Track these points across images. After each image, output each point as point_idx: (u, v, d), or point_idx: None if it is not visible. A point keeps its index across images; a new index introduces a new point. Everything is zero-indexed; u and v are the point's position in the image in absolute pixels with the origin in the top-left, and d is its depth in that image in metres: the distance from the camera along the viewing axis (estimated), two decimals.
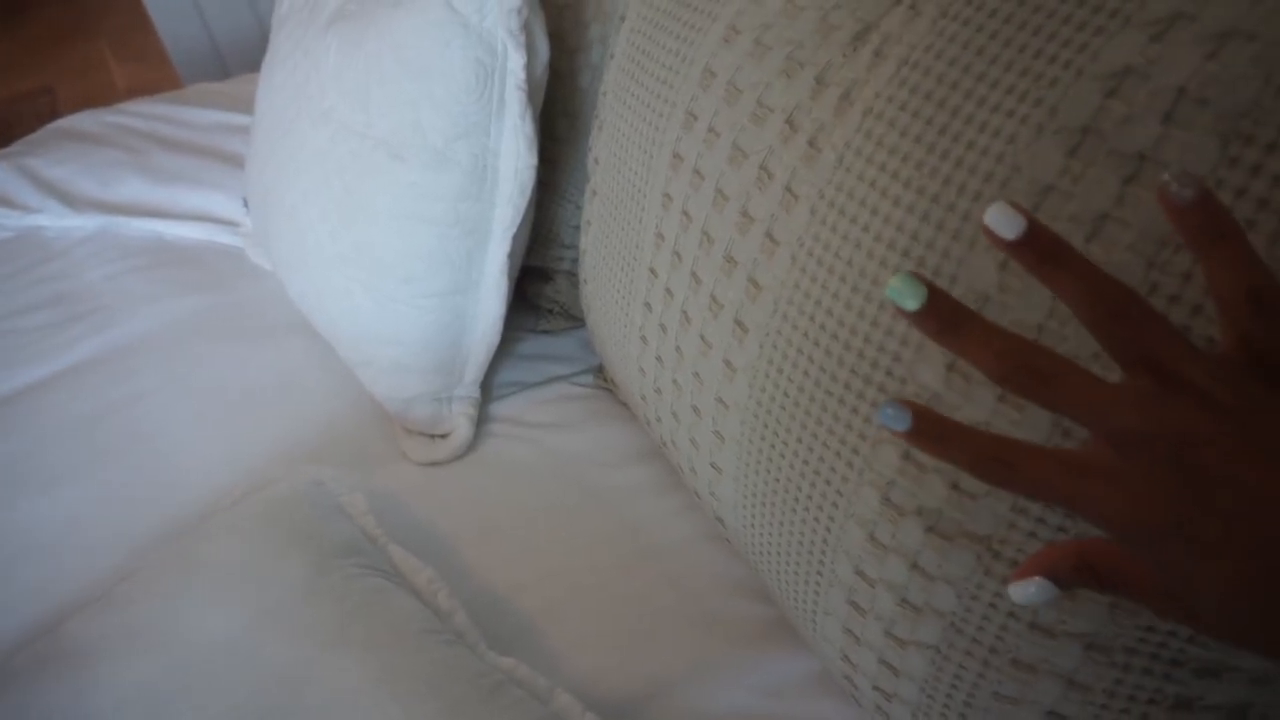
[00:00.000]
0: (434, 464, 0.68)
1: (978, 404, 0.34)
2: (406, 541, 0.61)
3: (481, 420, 0.72)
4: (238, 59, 1.68)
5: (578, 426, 0.70)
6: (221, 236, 0.91)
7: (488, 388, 0.74)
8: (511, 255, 0.65)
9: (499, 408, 0.73)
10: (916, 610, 0.38)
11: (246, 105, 1.10)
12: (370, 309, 0.65)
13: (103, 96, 2.13)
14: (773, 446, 0.44)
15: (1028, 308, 0.32)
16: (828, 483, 0.41)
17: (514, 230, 0.63)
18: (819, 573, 0.43)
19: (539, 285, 0.77)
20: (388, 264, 0.63)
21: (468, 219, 0.61)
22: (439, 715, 0.42)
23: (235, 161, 1.00)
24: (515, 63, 0.57)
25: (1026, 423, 0.33)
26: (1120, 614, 0.33)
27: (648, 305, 0.54)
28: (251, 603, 0.47)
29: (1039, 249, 0.22)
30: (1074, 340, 0.31)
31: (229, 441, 0.70)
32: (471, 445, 0.69)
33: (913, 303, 0.22)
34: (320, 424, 0.72)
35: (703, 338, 0.48)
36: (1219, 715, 0.34)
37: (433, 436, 0.69)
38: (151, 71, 2.24)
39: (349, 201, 0.63)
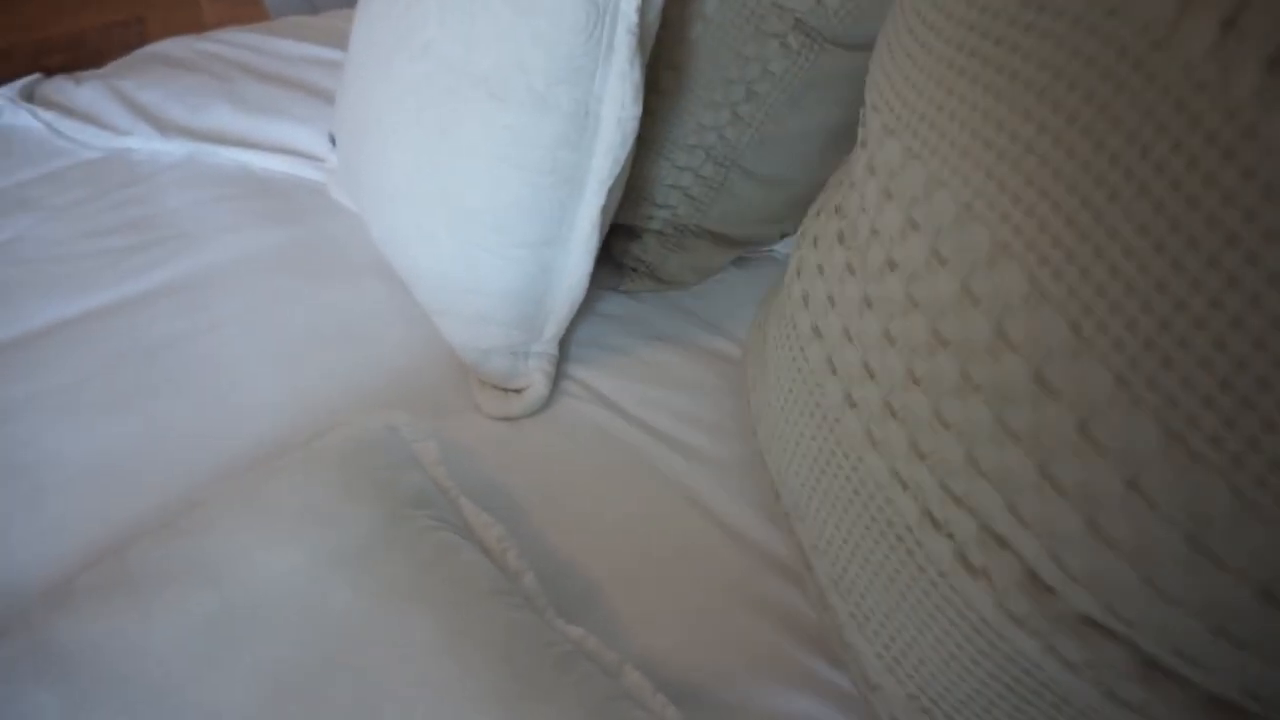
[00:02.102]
0: (507, 419, 0.66)
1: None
2: (476, 497, 0.60)
3: (557, 378, 0.69)
4: None
5: (653, 396, 0.67)
6: (306, 171, 0.89)
7: (565, 345, 0.72)
8: (605, 209, 0.62)
9: (575, 367, 0.70)
10: None
11: (335, 39, 1.09)
12: (454, 255, 0.63)
13: (192, 29, 2.15)
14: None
15: None
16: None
17: (610, 183, 0.60)
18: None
19: (625, 243, 0.74)
20: (477, 210, 0.61)
21: (564, 168, 0.58)
22: (505, 683, 0.40)
23: (322, 95, 0.98)
24: (628, 4, 0.54)
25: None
26: None
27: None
28: (319, 547, 0.46)
29: None
30: None
31: (298, 380, 0.69)
32: (546, 403, 0.67)
33: None
34: (394, 370, 0.70)
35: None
36: None
37: (507, 391, 0.67)
38: (240, 7, 2.25)
39: (441, 141, 0.61)
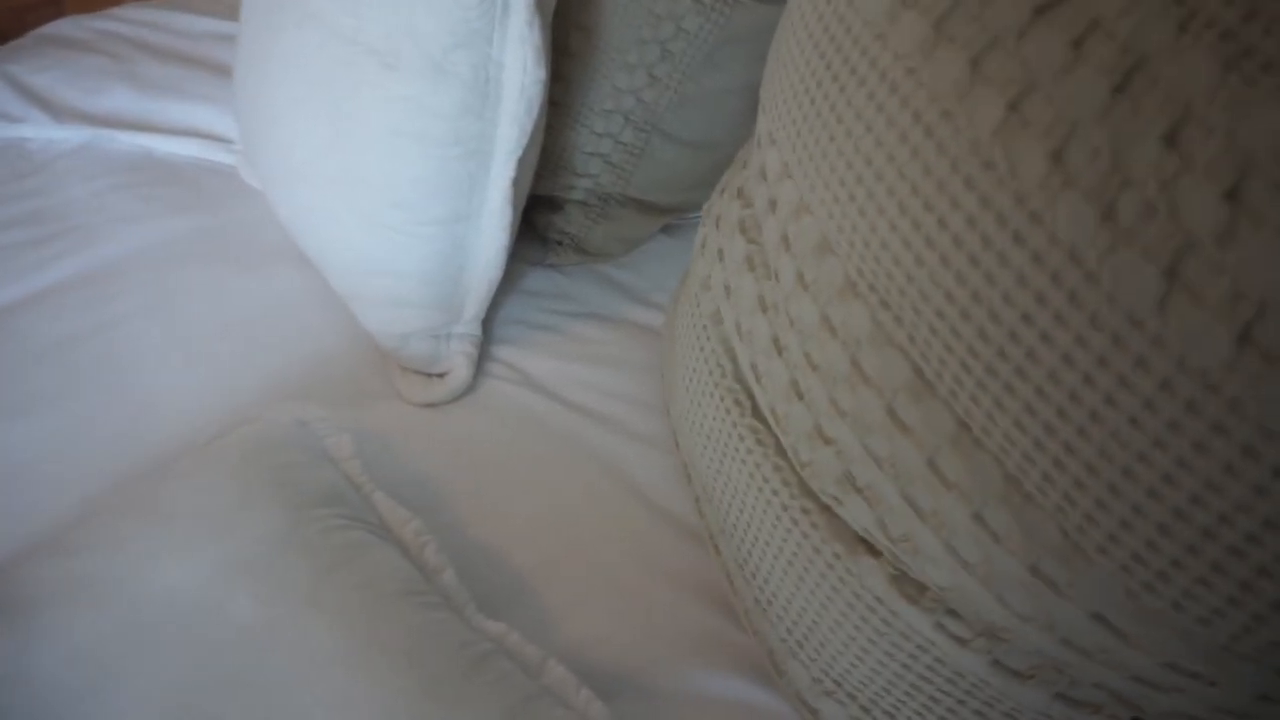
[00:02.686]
0: (430, 405, 0.64)
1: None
2: (397, 488, 0.57)
3: (482, 359, 0.67)
4: None
5: (581, 373, 0.65)
6: (213, 154, 0.85)
7: (489, 325, 0.69)
8: (517, 181, 0.59)
9: (501, 348, 0.68)
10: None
11: None
12: (362, 236, 0.60)
13: (111, 6, 2.05)
14: None
15: None
16: None
17: (519, 153, 0.57)
18: None
19: (548, 215, 0.71)
20: (380, 187, 0.57)
21: (469, 139, 0.55)
22: (414, 690, 0.39)
23: (228, 72, 0.93)
24: None
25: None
26: None
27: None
28: (217, 555, 0.43)
29: None
30: None
31: (212, 374, 0.66)
32: (470, 386, 0.65)
33: None
34: (312, 358, 0.67)
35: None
36: None
37: (430, 376, 0.65)
38: None
39: (337, 116, 0.57)
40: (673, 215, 0.73)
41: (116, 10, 1.02)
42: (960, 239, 0.27)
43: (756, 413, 0.41)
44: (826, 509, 0.37)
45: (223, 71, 0.93)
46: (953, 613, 0.33)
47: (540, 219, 0.72)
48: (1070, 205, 0.24)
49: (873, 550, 0.36)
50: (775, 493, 0.39)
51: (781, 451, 0.40)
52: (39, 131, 0.86)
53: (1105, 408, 0.25)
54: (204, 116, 0.88)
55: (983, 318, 0.27)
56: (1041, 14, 0.26)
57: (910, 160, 0.28)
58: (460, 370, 0.63)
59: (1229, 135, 0.22)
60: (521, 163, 0.58)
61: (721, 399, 0.43)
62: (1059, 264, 0.24)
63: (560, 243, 0.71)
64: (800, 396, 0.37)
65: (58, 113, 0.87)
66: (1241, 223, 0.21)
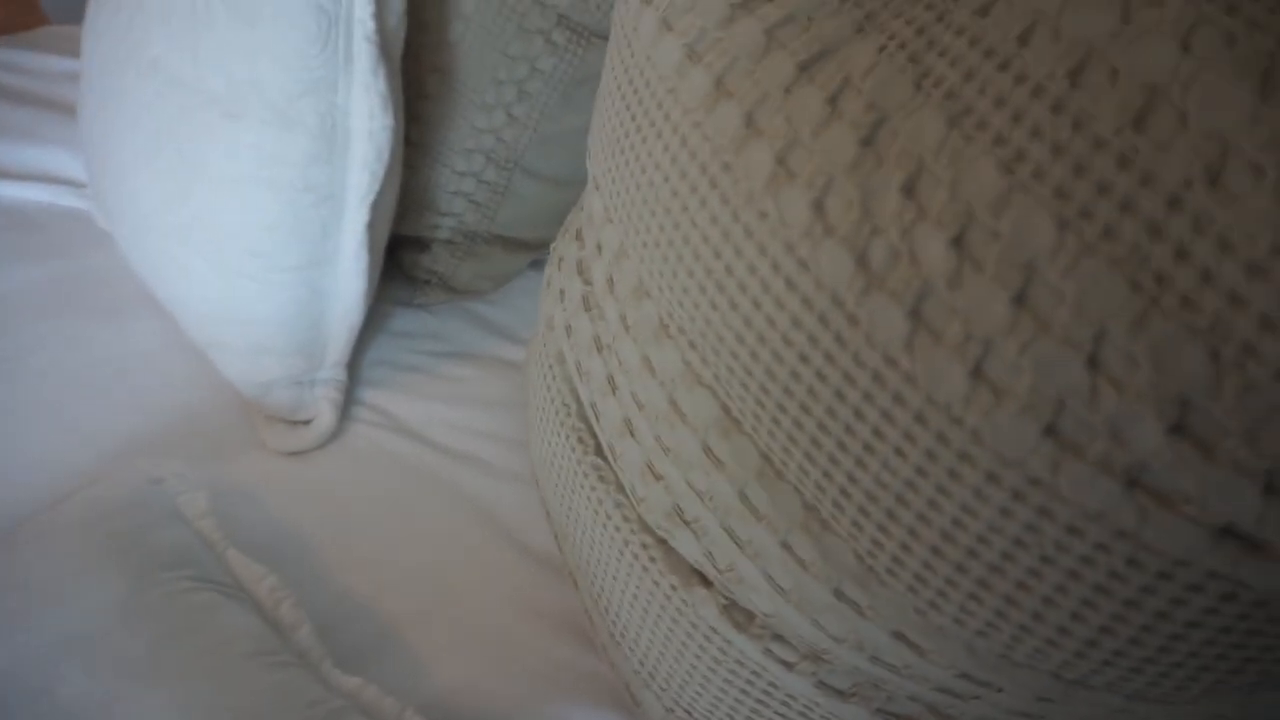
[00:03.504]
0: (295, 453, 0.62)
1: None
2: (260, 542, 0.56)
3: (349, 404, 0.66)
4: None
5: (451, 415, 0.65)
6: (65, 199, 0.82)
7: (356, 368, 0.68)
8: (373, 225, 0.59)
9: (368, 391, 0.67)
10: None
11: None
12: (216, 285, 0.59)
13: None
14: None
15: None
16: None
17: (372, 198, 0.56)
18: None
19: (414, 255, 0.71)
20: (231, 236, 0.56)
21: (319, 185, 0.55)
22: None
23: None
24: (362, 10, 0.50)
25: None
26: None
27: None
28: (50, 630, 0.41)
29: None
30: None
31: (67, 433, 0.63)
32: (336, 432, 0.64)
33: None
34: (172, 411, 0.65)
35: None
36: None
37: (294, 423, 0.63)
38: (21, 14, 2.06)
39: (183, 166, 0.56)
40: (539, 251, 0.74)
41: None
42: (744, 284, 0.28)
43: (599, 450, 0.42)
44: (663, 542, 0.38)
45: (76, 112, 0.90)
46: (779, 638, 0.35)
47: (407, 258, 0.72)
48: (830, 252, 0.25)
49: (705, 581, 0.37)
50: (618, 528, 0.40)
51: (621, 488, 0.40)
52: None
53: (875, 439, 0.26)
54: (56, 160, 0.84)
55: (769, 358, 0.28)
56: (804, 70, 0.27)
57: (700, 209, 0.30)
58: (325, 416, 0.62)
59: (953, 187, 0.23)
60: (376, 206, 0.58)
61: (567, 437, 0.44)
62: (825, 307, 0.26)
63: (428, 282, 0.71)
64: (632, 434, 0.38)
65: None
66: (966, 268, 0.23)
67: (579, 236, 0.45)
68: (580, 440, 0.43)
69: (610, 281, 0.38)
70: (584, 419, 0.44)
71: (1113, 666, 0.26)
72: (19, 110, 0.89)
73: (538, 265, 0.79)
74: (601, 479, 0.41)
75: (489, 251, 0.70)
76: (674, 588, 0.38)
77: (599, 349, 0.40)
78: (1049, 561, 0.24)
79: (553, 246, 0.50)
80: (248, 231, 0.56)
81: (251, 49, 0.51)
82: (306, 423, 0.63)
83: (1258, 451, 0.20)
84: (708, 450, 0.33)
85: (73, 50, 1.01)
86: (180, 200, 0.57)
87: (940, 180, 0.24)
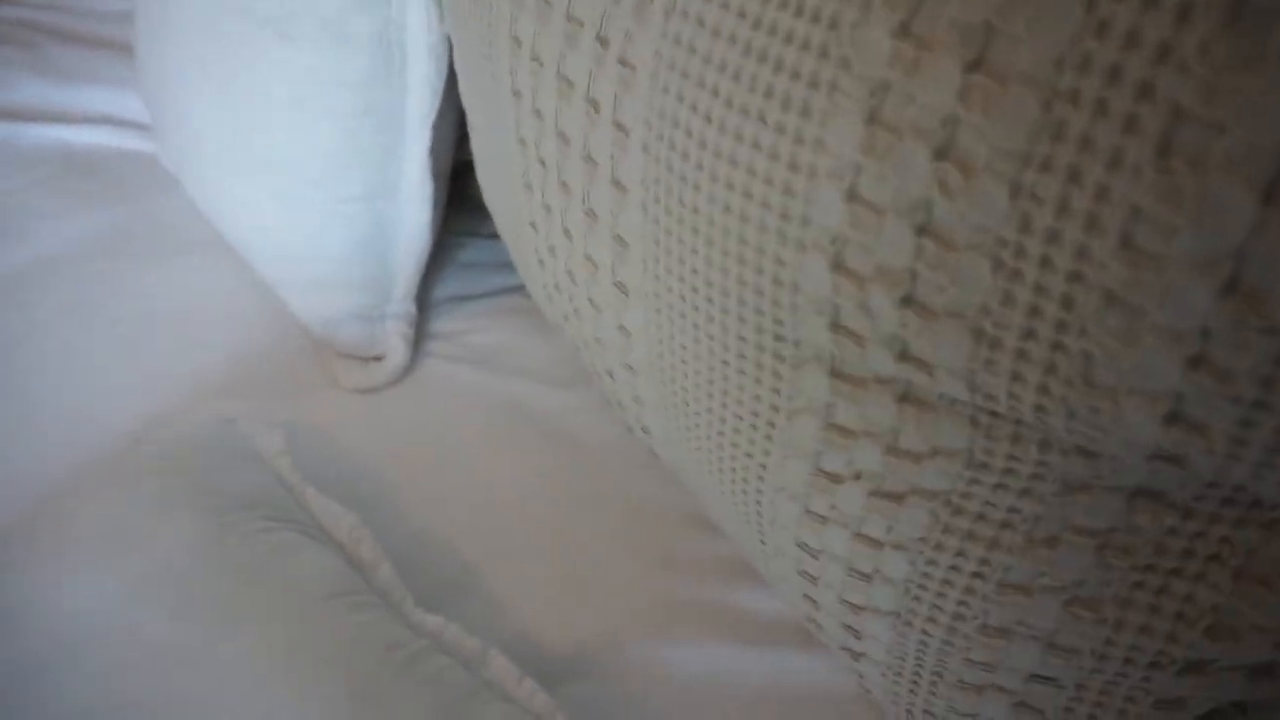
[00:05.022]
0: (369, 390, 0.61)
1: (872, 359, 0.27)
2: (335, 481, 0.55)
3: (421, 339, 0.64)
4: None
5: (526, 344, 0.62)
6: (133, 141, 0.81)
7: (427, 302, 0.66)
8: (435, 150, 0.56)
9: (440, 324, 0.65)
10: (866, 578, 0.31)
11: None
12: (278, 219, 0.57)
13: None
14: (685, 404, 0.37)
15: (884, 246, 0.25)
16: (749, 455, 0.34)
17: (434, 118, 0.53)
18: (761, 540, 0.36)
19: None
20: (291, 167, 0.54)
21: (377, 108, 0.52)
22: (338, 697, 0.36)
23: None
24: None
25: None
26: (1111, 555, 0.27)
27: (532, 226, 0.44)
28: (131, 571, 0.41)
29: None
30: (951, 291, 0.24)
31: (144, 375, 0.63)
32: (409, 368, 0.62)
33: None
34: (244, 351, 0.64)
35: (590, 300, 0.40)
36: (1238, 675, 0.28)
37: (366, 360, 0.62)
38: None
39: (241, 96, 0.54)
40: None
41: None
42: None
43: None
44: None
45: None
46: None
47: (473, 186, 0.68)
48: None
49: None
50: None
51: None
52: None
53: None
54: (121, 102, 0.83)
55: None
56: None
57: None
58: (397, 352, 0.61)
59: None
60: (438, 129, 0.55)
61: None
62: None
63: None
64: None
65: None
66: None
67: None
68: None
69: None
70: None
71: None
72: (80, 52, 0.88)
73: None
74: None
75: None
76: None
77: None
78: None
79: None
80: (308, 161, 0.53)
81: None
82: (378, 358, 0.61)
83: None
84: None
85: None
86: (240, 133, 0.55)
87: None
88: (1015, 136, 0.22)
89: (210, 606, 0.40)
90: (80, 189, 0.76)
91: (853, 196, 0.25)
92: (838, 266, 0.26)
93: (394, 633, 0.41)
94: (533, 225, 0.43)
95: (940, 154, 0.23)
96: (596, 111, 0.34)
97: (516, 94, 0.39)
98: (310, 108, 0.51)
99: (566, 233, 0.38)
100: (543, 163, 0.38)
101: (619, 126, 0.33)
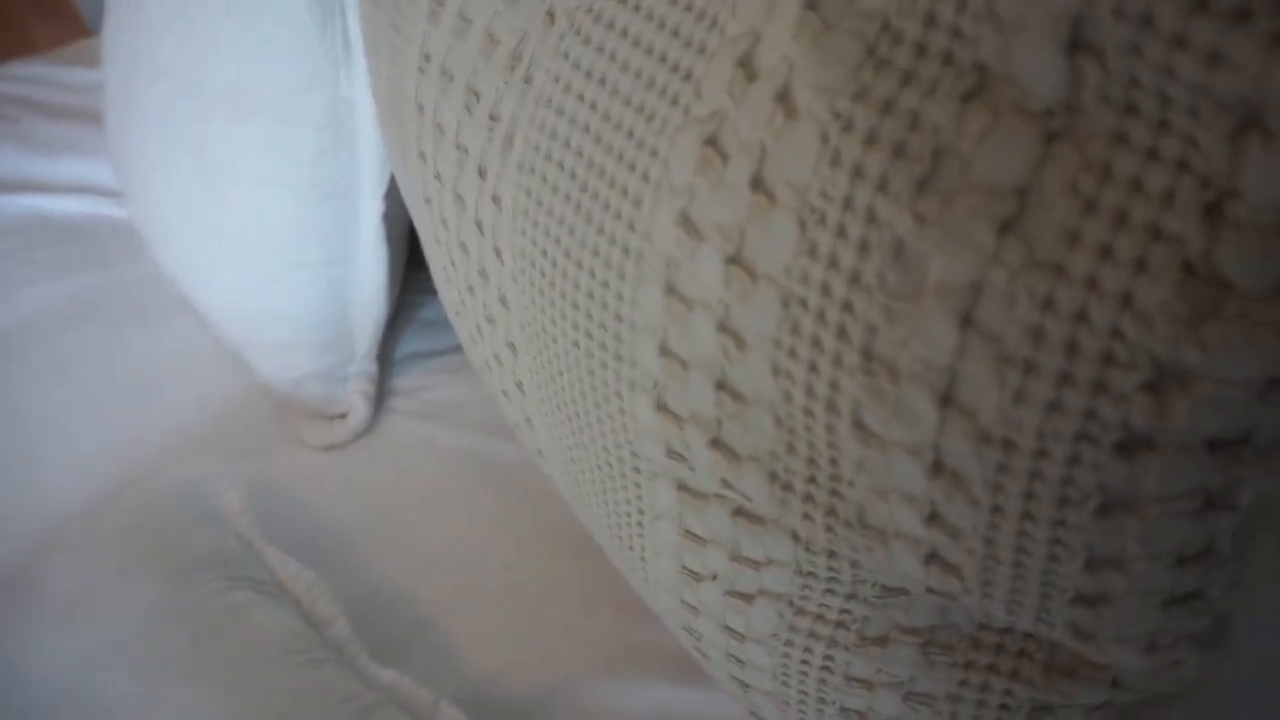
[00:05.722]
0: (333, 448, 0.63)
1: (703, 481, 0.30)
2: (298, 538, 0.57)
3: (384, 396, 0.66)
4: None
5: (483, 398, 0.65)
6: (107, 208, 0.83)
7: (389, 359, 0.68)
8: (389, 216, 0.59)
9: (402, 381, 0.67)
10: (741, 663, 0.34)
11: None
12: (240, 285, 0.59)
13: (23, 52, 2.01)
14: (574, 486, 0.40)
15: (691, 396, 0.28)
16: (630, 550, 0.37)
17: (384, 189, 0.56)
18: (645, 573, 0.39)
19: None
20: (249, 236, 0.57)
21: (329, 180, 0.55)
22: None
23: None
24: None
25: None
26: (934, 652, 0.29)
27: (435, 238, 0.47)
28: (93, 635, 0.43)
29: None
30: (748, 439, 0.27)
31: (115, 437, 0.65)
32: (372, 425, 0.64)
33: None
34: (212, 412, 0.67)
35: (495, 353, 0.43)
36: None
37: (330, 418, 0.64)
38: (68, 31, 2.11)
39: (199, 170, 0.56)
40: None
41: (1, 69, 1.00)
42: None
43: None
44: None
45: None
46: None
47: None
48: None
49: None
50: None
51: None
52: None
53: None
54: (98, 171, 0.86)
55: None
56: None
57: None
58: (359, 410, 0.63)
59: None
60: (391, 196, 0.58)
61: None
62: None
63: None
64: None
65: None
66: None
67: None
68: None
69: None
70: None
71: None
72: (59, 125, 0.91)
73: None
74: None
75: None
76: None
77: None
78: None
79: None
80: (265, 230, 0.56)
81: (251, 47, 0.51)
82: (342, 416, 0.63)
83: None
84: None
85: (100, 61, 1.03)
86: (199, 205, 0.57)
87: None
88: (768, 323, 0.25)
89: (168, 667, 0.41)
90: (56, 256, 0.79)
91: (664, 351, 0.28)
92: (660, 407, 0.29)
93: (347, 688, 0.42)
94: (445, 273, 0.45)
95: (721, 327, 0.26)
96: (483, 179, 0.36)
97: (421, 156, 0.42)
98: (264, 180, 0.54)
99: (470, 290, 0.41)
100: (445, 224, 0.40)
101: (495, 200, 0.36)
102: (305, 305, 0.59)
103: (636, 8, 0.30)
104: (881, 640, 0.31)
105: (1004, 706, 0.30)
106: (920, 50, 0.22)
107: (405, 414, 0.65)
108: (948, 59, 0.22)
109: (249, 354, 0.64)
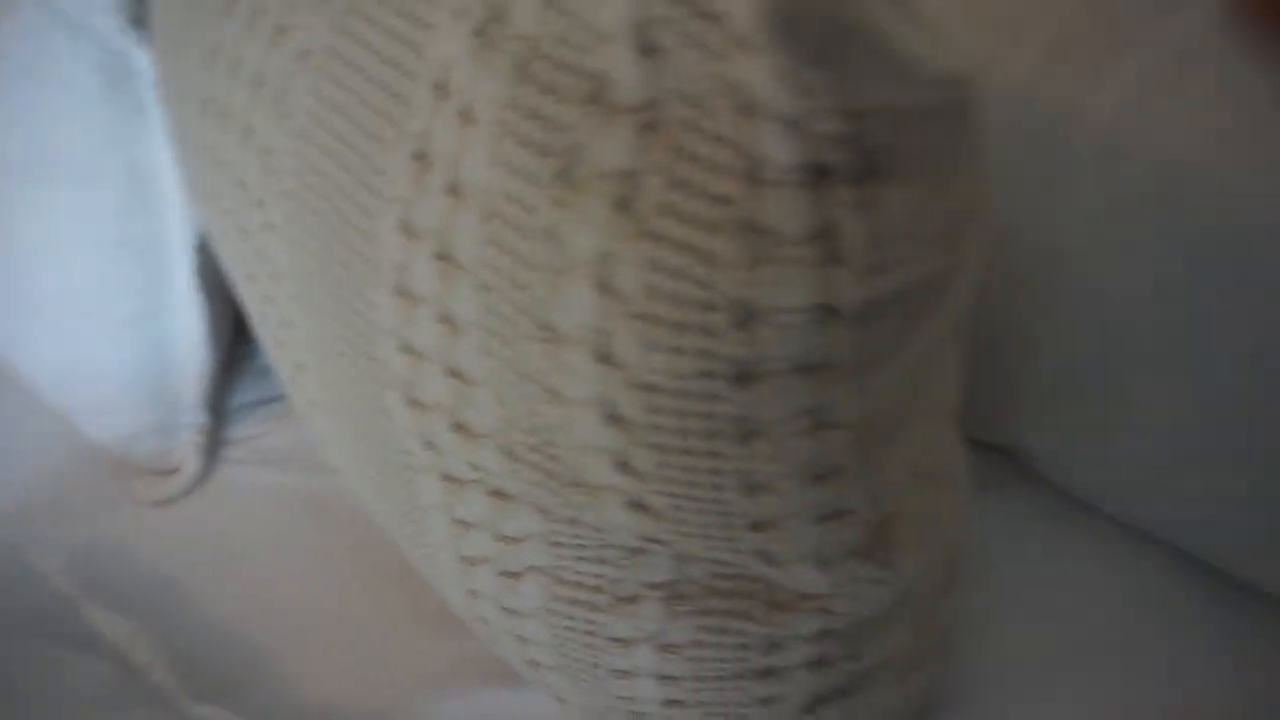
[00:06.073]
0: (166, 502, 0.63)
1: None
2: (131, 593, 0.56)
3: (219, 446, 0.67)
4: None
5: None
6: None
7: (225, 409, 0.69)
8: (207, 268, 0.60)
9: (237, 430, 0.67)
10: (524, 641, 0.37)
11: None
12: (56, 348, 0.60)
13: None
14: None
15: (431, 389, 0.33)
16: (423, 547, 0.39)
17: (195, 242, 0.58)
18: (436, 570, 0.41)
19: None
20: (59, 299, 0.57)
21: (135, 238, 0.56)
22: None
23: None
24: (142, 60, 0.52)
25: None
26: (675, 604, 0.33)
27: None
28: None
29: None
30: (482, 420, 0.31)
31: None
32: (206, 476, 0.64)
33: None
34: (43, 476, 0.66)
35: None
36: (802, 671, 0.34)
37: (163, 473, 0.64)
38: None
39: (3, 236, 0.57)
40: None
41: None
42: None
43: None
44: None
45: None
46: None
47: None
48: None
49: None
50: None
51: None
52: None
53: None
54: None
55: None
56: None
57: None
58: (190, 462, 0.63)
59: None
60: (206, 249, 0.59)
61: None
62: None
63: None
64: None
65: None
66: None
67: None
68: None
69: None
70: None
71: None
72: None
73: None
74: None
75: None
76: None
77: None
78: None
79: None
80: (74, 292, 0.57)
81: (42, 112, 0.52)
82: (175, 471, 0.64)
83: None
84: None
85: None
86: (7, 272, 0.58)
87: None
88: (471, 308, 0.29)
89: None
90: None
91: (403, 347, 0.32)
92: (411, 402, 0.33)
93: None
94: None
95: (440, 318, 0.30)
96: (261, 209, 0.39)
97: (214, 195, 0.44)
98: (69, 243, 0.55)
99: (265, 316, 0.43)
100: (242, 259, 0.43)
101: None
102: (123, 362, 0.60)
103: (367, 45, 0.34)
104: (632, 599, 0.34)
105: (742, 645, 0.33)
106: (556, 64, 0.26)
107: (240, 462, 0.65)
108: (574, 69, 0.26)
109: (75, 416, 0.64)
